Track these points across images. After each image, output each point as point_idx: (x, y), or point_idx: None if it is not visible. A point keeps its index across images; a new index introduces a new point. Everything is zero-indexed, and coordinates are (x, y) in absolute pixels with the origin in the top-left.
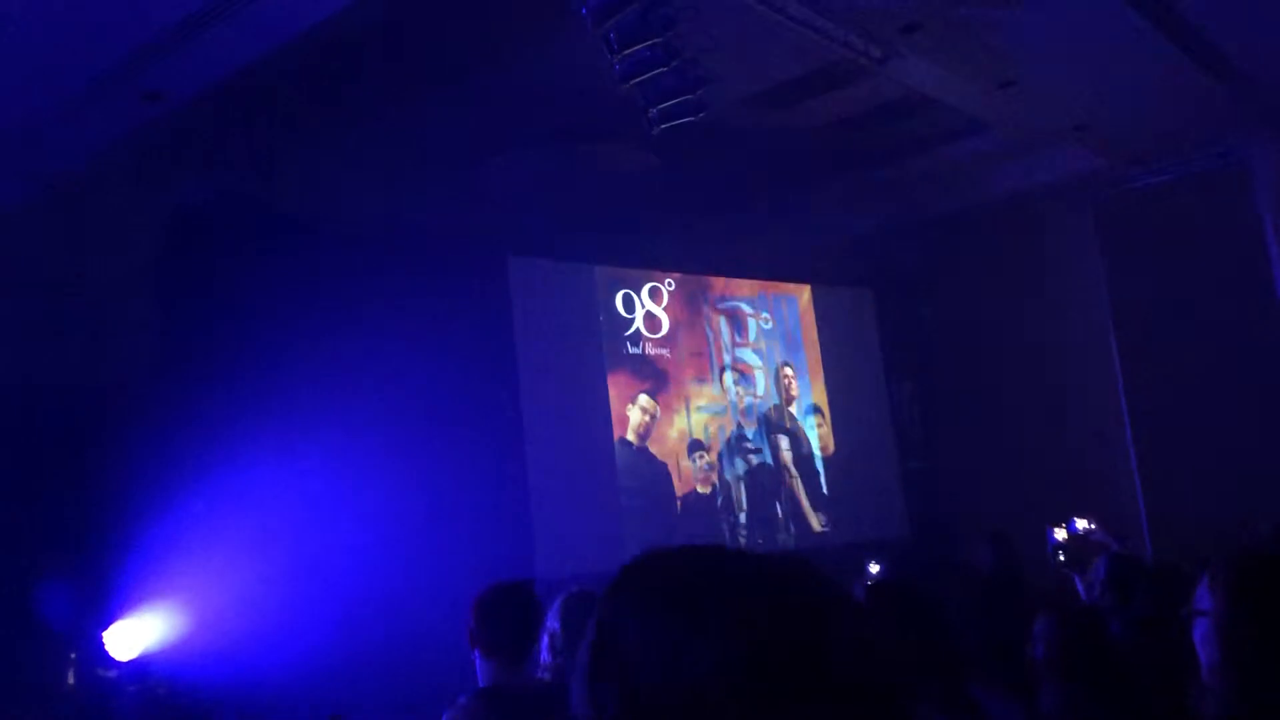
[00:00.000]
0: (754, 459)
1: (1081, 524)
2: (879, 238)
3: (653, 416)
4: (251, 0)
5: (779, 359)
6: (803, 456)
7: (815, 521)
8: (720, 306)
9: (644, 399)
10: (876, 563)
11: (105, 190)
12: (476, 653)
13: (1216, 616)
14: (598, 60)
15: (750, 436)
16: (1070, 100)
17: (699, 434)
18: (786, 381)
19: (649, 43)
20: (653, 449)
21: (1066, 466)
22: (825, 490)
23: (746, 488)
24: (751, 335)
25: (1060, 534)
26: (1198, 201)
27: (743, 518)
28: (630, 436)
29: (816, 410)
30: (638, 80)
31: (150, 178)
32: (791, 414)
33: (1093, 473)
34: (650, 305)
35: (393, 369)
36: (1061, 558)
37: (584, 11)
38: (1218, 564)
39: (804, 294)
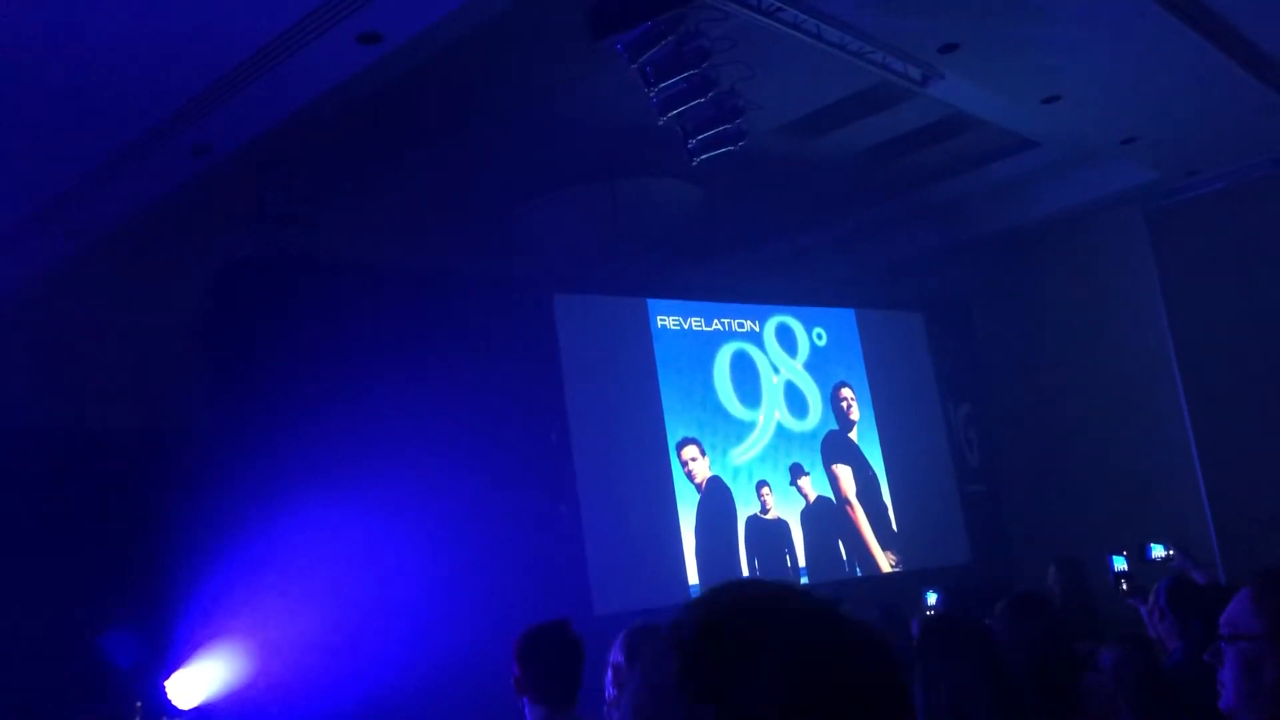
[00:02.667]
0: (813, 491)
1: (1158, 551)
2: (929, 259)
3: (701, 448)
4: (291, 55)
5: (836, 379)
6: (867, 486)
7: (884, 562)
8: (769, 323)
9: (693, 432)
10: (934, 592)
11: (154, 242)
12: (525, 700)
13: (1271, 639)
14: (636, 95)
15: (807, 466)
16: (1118, 113)
17: (752, 464)
18: (845, 404)
19: (685, 75)
20: (707, 481)
21: (1130, 486)
22: (894, 524)
23: (805, 523)
24: (804, 354)
25: (1120, 562)
26: (1254, 207)
27: (802, 556)
28: (683, 469)
29: (878, 434)
30: (676, 112)
31: (197, 230)
32: (852, 440)
33: (1158, 491)
34: (696, 336)
35: (442, 411)
36: (1124, 586)
37: (619, 47)
38: (1267, 582)
39: (854, 320)
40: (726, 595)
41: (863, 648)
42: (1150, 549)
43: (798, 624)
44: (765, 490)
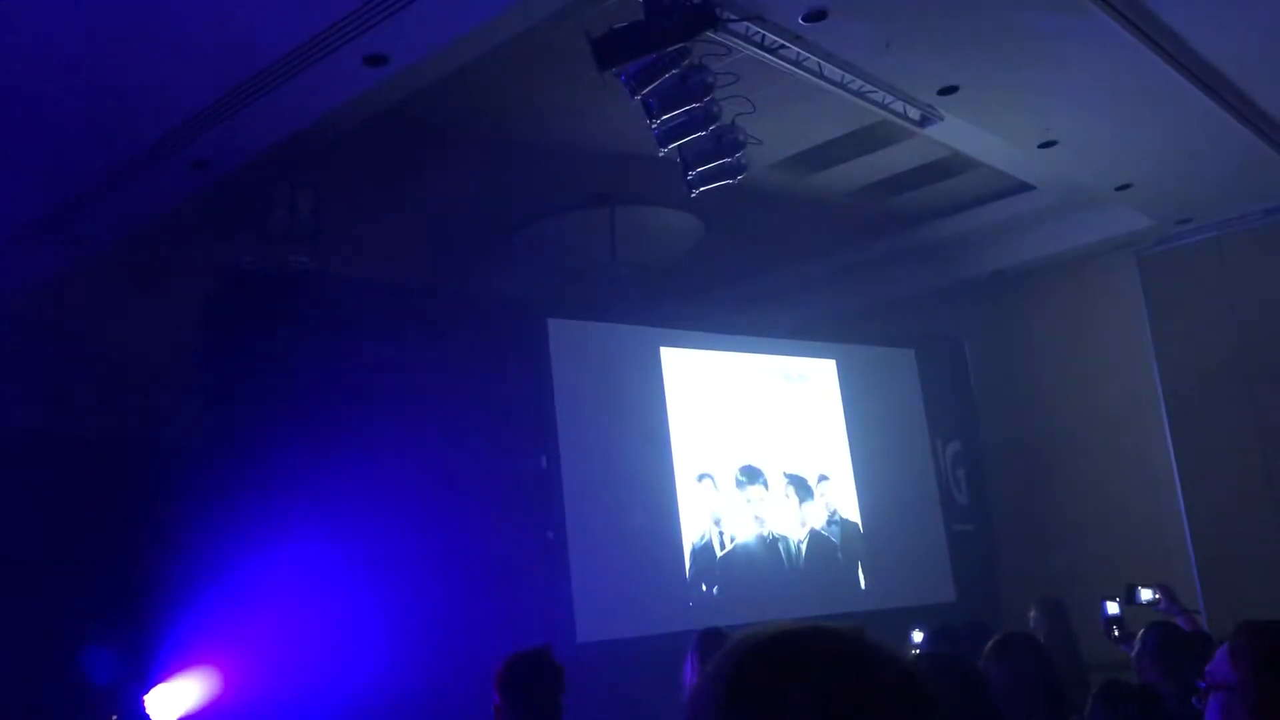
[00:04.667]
0: (797, 527)
1: (1146, 594)
2: (922, 298)
3: (703, 481)
4: (298, 74)
5: (829, 413)
6: (847, 525)
7: (874, 599)
8: (756, 366)
9: (688, 463)
10: (920, 630)
11: (154, 255)
12: None
13: (1241, 689)
14: (637, 124)
15: (799, 502)
16: (1113, 160)
17: (742, 499)
18: (838, 439)
19: (688, 108)
20: (693, 515)
21: (1116, 527)
22: (871, 558)
23: (795, 558)
24: (798, 389)
25: (1113, 607)
26: (1245, 256)
27: (792, 592)
28: (670, 502)
29: (859, 474)
30: (677, 144)
31: (197, 243)
32: (843, 475)
33: (1143, 532)
34: (688, 365)
35: (434, 433)
36: (1115, 634)
37: (623, 78)
38: (1240, 636)
39: (845, 354)
40: (767, 630)
41: (907, 674)
42: (1139, 592)
43: (842, 649)
44: (754, 523)
